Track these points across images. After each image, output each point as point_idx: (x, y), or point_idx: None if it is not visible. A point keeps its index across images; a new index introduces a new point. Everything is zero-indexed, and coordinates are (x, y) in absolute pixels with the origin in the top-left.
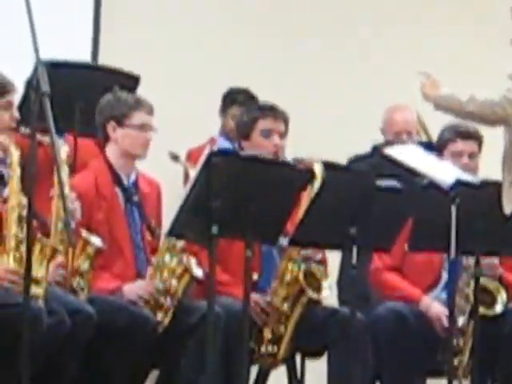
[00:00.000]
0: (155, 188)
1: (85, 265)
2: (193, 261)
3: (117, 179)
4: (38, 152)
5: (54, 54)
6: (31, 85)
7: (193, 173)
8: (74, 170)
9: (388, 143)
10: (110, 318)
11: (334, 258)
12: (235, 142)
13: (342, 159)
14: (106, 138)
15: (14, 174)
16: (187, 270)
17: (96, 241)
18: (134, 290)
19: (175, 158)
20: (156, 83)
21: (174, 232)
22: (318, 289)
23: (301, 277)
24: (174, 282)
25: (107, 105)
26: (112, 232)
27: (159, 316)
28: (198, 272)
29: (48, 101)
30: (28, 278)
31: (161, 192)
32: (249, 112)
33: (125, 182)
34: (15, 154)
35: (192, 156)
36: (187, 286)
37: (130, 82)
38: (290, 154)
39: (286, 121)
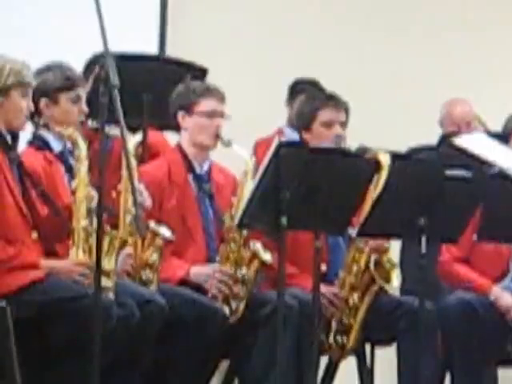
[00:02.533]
0: (230, 179)
1: (154, 256)
2: (259, 245)
3: (190, 167)
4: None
5: (121, 46)
6: (100, 77)
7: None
8: (142, 162)
9: (455, 133)
10: (179, 310)
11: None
12: None
13: (404, 149)
14: (179, 128)
15: (82, 166)
16: (255, 255)
17: (165, 232)
18: (202, 273)
19: (227, 143)
20: (223, 74)
21: (243, 223)
22: (387, 279)
23: (371, 267)
24: (243, 269)
25: (177, 94)
26: (184, 219)
27: (233, 305)
28: (267, 256)
29: (117, 94)
30: (98, 270)
31: (236, 183)
32: (309, 103)
33: (198, 170)
34: (83, 147)
35: (260, 147)
36: (257, 272)
37: (198, 73)
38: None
39: (346, 110)
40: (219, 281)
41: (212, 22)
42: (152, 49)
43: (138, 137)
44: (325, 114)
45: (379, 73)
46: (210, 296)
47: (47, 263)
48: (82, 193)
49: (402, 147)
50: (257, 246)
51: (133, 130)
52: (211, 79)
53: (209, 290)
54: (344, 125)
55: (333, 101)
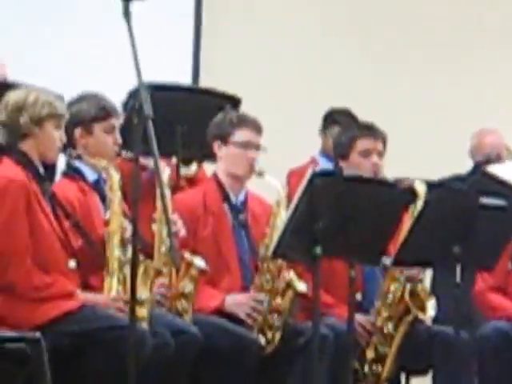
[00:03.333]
0: (267, 208)
1: (189, 287)
2: (294, 275)
3: (225, 197)
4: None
5: (155, 76)
6: (134, 108)
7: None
8: (175, 192)
9: (486, 162)
10: (214, 340)
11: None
12: None
13: (440, 177)
14: (215, 157)
15: (115, 196)
16: (290, 285)
17: (200, 263)
18: (237, 302)
19: (260, 173)
20: (257, 103)
21: (278, 252)
22: (422, 308)
23: (407, 296)
24: (278, 299)
25: (214, 124)
26: (219, 248)
27: (268, 335)
28: (301, 286)
29: (151, 124)
30: (133, 300)
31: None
32: (347, 132)
33: (233, 199)
34: (116, 178)
35: (293, 176)
36: (292, 302)
37: (232, 103)
38: (388, 173)
39: (384, 140)
40: (254, 310)
41: (246, 53)
42: (186, 79)
43: (194, 167)
44: (362, 144)
45: (412, 103)
46: (246, 326)
47: (83, 294)
48: (115, 223)
49: (433, 176)
50: (291, 275)
51: (186, 162)
52: (245, 108)
53: (244, 320)
54: (381, 154)
55: (370, 130)
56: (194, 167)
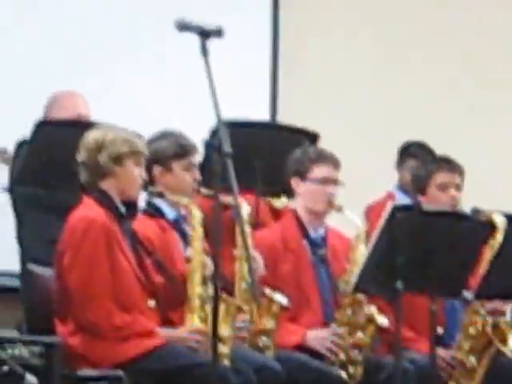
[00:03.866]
0: (346, 243)
1: (270, 323)
2: (375, 309)
3: (304, 232)
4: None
5: (233, 113)
6: (213, 145)
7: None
8: (255, 229)
9: None
10: (296, 376)
11: None
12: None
13: None
14: (293, 194)
15: (196, 234)
16: (371, 319)
17: (281, 299)
18: (318, 338)
19: (339, 209)
20: (334, 138)
21: (359, 287)
22: (504, 341)
23: (489, 329)
24: (359, 333)
25: (292, 160)
26: (299, 284)
27: (350, 370)
28: (383, 320)
29: (230, 162)
30: (215, 337)
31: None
32: (424, 165)
33: (312, 235)
34: (197, 215)
35: (372, 211)
36: (373, 336)
37: (310, 139)
38: (466, 205)
39: (461, 173)
40: (335, 345)
41: (323, 88)
42: (264, 115)
43: (284, 200)
44: (440, 177)
45: (488, 136)
46: (327, 361)
47: (164, 331)
48: (196, 260)
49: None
50: (372, 309)
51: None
52: (323, 144)
53: (325, 355)
54: (459, 187)
55: (448, 164)
56: (284, 200)
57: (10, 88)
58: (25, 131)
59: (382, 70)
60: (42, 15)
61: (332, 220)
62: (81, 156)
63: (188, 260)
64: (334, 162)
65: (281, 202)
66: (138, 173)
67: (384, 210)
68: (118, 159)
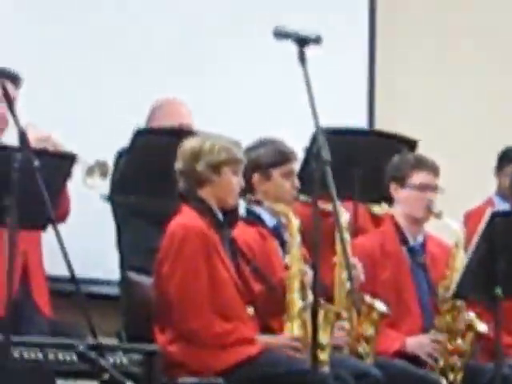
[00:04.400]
0: (446, 251)
1: (370, 330)
2: (474, 316)
3: (403, 239)
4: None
5: (331, 120)
6: (312, 153)
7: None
8: (354, 236)
9: None
10: (396, 382)
11: None
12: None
13: None
14: (392, 200)
15: (294, 241)
16: (471, 326)
17: (380, 306)
18: (418, 344)
19: (438, 215)
20: (431, 146)
21: (459, 294)
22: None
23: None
24: (459, 340)
25: (391, 166)
26: (399, 291)
27: (450, 377)
28: (482, 327)
29: (329, 169)
30: (314, 344)
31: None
32: None
33: (411, 242)
34: (295, 222)
35: (471, 218)
36: (473, 343)
37: (408, 146)
38: None
39: None
40: (435, 351)
41: (420, 94)
42: (361, 123)
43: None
44: None
45: None
46: (428, 368)
47: (263, 339)
48: (295, 268)
49: None
50: (472, 316)
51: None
52: (420, 151)
53: (425, 361)
54: None
55: None
56: (385, 207)
57: (112, 100)
58: (125, 143)
59: (483, 77)
60: (144, 27)
61: (431, 226)
62: (179, 164)
63: (287, 267)
64: (434, 169)
65: (380, 209)
66: (236, 181)
67: (483, 216)
68: (215, 167)
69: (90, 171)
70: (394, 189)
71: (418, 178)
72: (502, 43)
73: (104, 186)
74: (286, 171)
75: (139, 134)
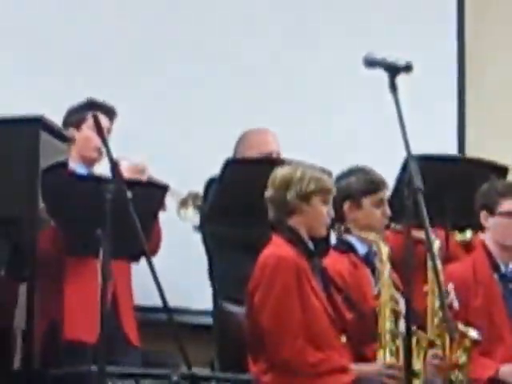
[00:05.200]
0: None
1: (463, 358)
2: None
3: (495, 266)
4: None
5: (420, 147)
6: (403, 181)
7: None
8: (446, 263)
9: None
10: None
11: None
12: None
13: None
14: (482, 228)
15: (385, 268)
16: None
17: (473, 334)
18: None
19: None
20: None
21: None
22: None
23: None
24: None
25: (481, 194)
26: (491, 318)
27: None
28: None
29: (421, 196)
30: (408, 372)
31: None
32: None
33: (503, 269)
34: (385, 250)
35: None
36: None
37: (499, 172)
38: None
39: None
40: None
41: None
42: (451, 149)
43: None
44: None
45: None
46: None
47: (356, 367)
48: (386, 295)
49: None
50: None
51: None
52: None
53: None
54: None
55: None
56: (469, 234)
57: (201, 130)
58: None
59: None
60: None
61: None
62: (269, 193)
63: (377, 296)
64: None
65: (464, 237)
66: (326, 210)
67: None
68: (305, 197)
69: (183, 203)
70: (484, 217)
71: (508, 205)
72: None
73: (197, 217)
74: (377, 200)
75: (229, 164)
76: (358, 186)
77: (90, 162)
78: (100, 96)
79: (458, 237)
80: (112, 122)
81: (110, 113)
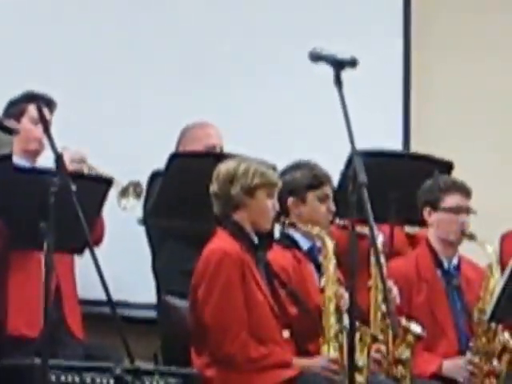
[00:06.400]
0: (479, 273)
1: (406, 353)
2: (510, 337)
3: (438, 262)
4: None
5: (366, 142)
6: (348, 176)
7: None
8: (391, 258)
9: None
10: None
11: None
12: None
13: None
14: (425, 223)
15: (330, 264)
16: (506, 347)
17: (416, 328)
18: (454, 366)
19: (472, 237)
20: (467, 169)
21: (494, 317)
22: None
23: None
24: (495, 362)
25: (424, 190)
26: (434, 314)
27: None
28: None
29: (366, 192)
30: (351, 367)
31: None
32: None
33: (446, 265)
34: (330, 245)
35: (507, 240)
36: (509, 364)
37: (444, 168)
38: None
39: None
40: (472, 373)
41: (456, 116)
42: (396, 145)
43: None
44: None
45: None
46: None
47: (299, 362)
48: (330, 291)
49: None
50: (507, 337)
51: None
52: (456, 174)
53: (462, 383)
54: None
55: None
56: (416, 228)
57: (143, 122)
58: (158, 164)
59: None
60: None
61: (466, 249)
62: (213, 187)
63: (322, 290)
64: (465, 191)
65: (413, 229)
66: (271, 204)
67: None
68: (250, 191)
69: (124, 192)
70: (427, 212)
71: (451, 200)
72: None
73: (138, 206)
74: (322, 195)
75: (174, 158)
76: (302, 180)
77: (31, 155)
78: (40, 87)
79: (407, 229)
80: (52, 114)
81: (50, 104)
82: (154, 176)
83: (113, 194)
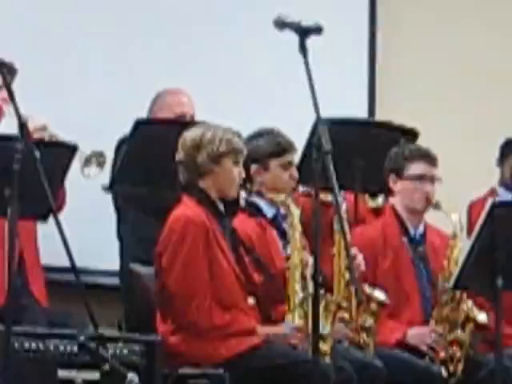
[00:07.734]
0: (445, 241)
1: (369, 320)
2: (474, 306)
3: (404, 230)
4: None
5: (331, 111)
6: (312, 143)
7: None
8: (355, 225)
9: None
10: (398, 374)
11: None
12: None
13: None
14: (391, 192)
15: (295, 231)
16: (470, 316)
17: (379, 295)
18: (418, 335)
19: (436, 206)
20: (434, 137)
21: (458, 285)
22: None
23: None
24: (458, 331)
25: (389, 158)
26: (399, 281)
27: (451, 368)
28: (482, 317)
29: (330, 159)
30: (315, 335)
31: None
32: None
33: (412, 232)
34: (296, 212)
35: (474, 208)
36: (473, 333)
37: (409, 137)
38: None
39: None
40: (435, 342)
41: (421, 84)
42: (362, 113)
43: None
44: None
45: None
46: (428, 359)
47: (264, 329)
48: (296, 258)
49: None
50: (471, 306)
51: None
52: (422, 142)
53: (426, 352)
54: None
55: None
56: (380, 199)
57: (111, 89)
58: (125, 131)
59: (488, 63)
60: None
61: (432, 217)
62: (179, 155)
63: (287, 258)
64: (431, 159)
65: (375, 203)
66: (237, 171)
67: (484, 206)
68: (216, 158)
69: (87, 161)
70: (392, 180)
71: (416, 168)
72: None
73: (100, 175)
74: (285, 162)
75: (139, 124)
76: (265, 148)
77: None
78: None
79: (370, 203)
80: (13, 80)
81: (11, 71)
82: (122, 143)
83: (76, 163)
